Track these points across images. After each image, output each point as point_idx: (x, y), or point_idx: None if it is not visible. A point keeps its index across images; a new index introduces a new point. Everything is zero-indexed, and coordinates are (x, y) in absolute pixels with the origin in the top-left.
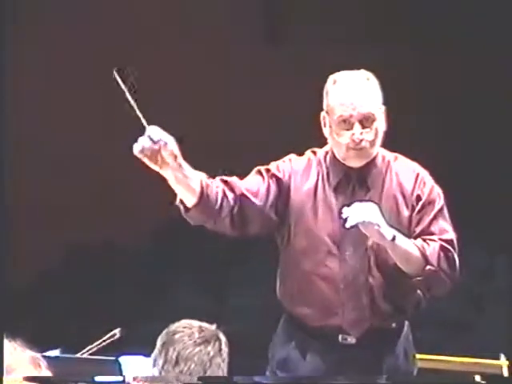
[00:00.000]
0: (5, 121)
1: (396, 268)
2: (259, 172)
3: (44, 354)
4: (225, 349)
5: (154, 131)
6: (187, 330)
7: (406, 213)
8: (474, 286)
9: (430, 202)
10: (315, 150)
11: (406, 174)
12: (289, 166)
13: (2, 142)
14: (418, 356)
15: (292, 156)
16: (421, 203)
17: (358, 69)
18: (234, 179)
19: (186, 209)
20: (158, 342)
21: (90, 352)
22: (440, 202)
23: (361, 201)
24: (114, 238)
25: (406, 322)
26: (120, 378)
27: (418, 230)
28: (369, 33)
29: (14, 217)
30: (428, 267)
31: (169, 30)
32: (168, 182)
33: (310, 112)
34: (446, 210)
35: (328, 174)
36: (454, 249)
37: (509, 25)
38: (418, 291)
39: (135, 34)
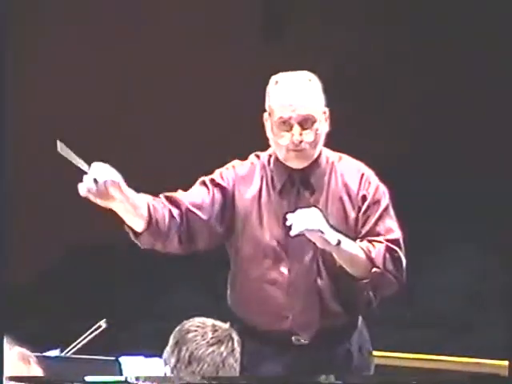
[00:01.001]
0: (5, 120)
1: (344, 270)
2: (203, 183)
3: (44, 354)
4: (237, 348)
5: (98, 172)
6: (200, 329)
7: (352, 214)
8: (474, 286)
9: (376, 202)
10: (258, 153)
11: (350, 174)
12: (232, 172)
13: (2, 142)
14: (417, 356)
15: (236, 162)
16: (366, 203)
17: (358, 69)
18: (178, 195)
19: (136, 234)
20: (171, 341)
21: (78, 347)
22: (385, 201)
23: (305, 206)
24: (114, 238)
25: (360, 319)
26: (122, 378)
27: (364, 230)
28: (368, 32)
29: (14, 216)
30: (374, 269)
31: (169, 29)
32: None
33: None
34: (391, 209)
35: (272, 177)
36: (400, 248)
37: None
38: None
39: (135, 33)
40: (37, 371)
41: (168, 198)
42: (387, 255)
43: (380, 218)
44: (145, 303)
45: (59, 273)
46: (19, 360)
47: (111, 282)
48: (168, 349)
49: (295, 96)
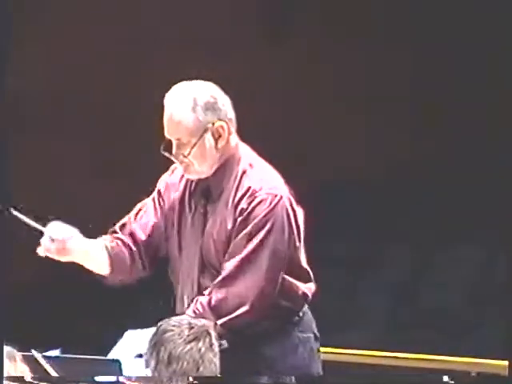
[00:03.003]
0: (5, 120)
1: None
2: (153, 196)
3: (44, 353)
4: (215, 343)
5: (53, 230)
6: (176, 328)
7: (229, 225)
8: (474, 286)
9: (246, 220)
10: None
11: (244, 184)
12: (168, 177)
13: (3, 142)
14: (417, 356)
15: (176, 165)
16: (241, 217)
17: (359, 68)
18: (129, 223)
19: (103, 277)
20: (148, 343)
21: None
22: (261, 223)
23: (199, 215)
24: None
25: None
26: (114, 379)
27: (231, 244)
28: (369, 34)
29: (14, 217)
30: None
31: (168, 29)
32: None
33: (309, 111)
34: (262, 233)
35: (191, 182)
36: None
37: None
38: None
39: (135, 33)
40: (23, 369)
41: (123, 231)
42: (208, 308)
43: (243, 237)
44: (145, 303)
45: (59, 273)
46: (5, 358)
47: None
48: (147, 351)
49: (171, 116)
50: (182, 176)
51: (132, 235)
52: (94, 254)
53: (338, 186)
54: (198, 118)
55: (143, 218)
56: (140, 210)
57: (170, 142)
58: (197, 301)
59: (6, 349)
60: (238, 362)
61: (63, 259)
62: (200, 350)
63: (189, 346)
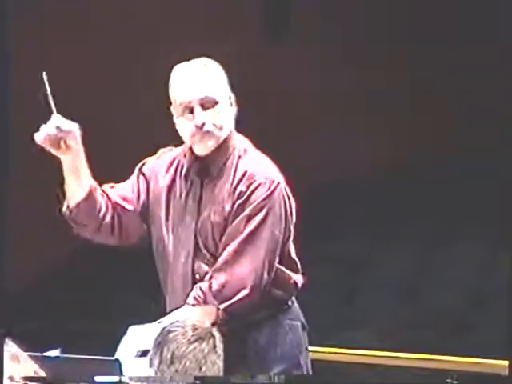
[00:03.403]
0: (5, 120)
1: (217, 255)
2: (135, 172)
3: (44, 354)
4: (220, 345)
5: (60, 119)
6: (181, 328)
7: (227, 207)
8: (475, 286)
9: (247, 202)
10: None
11: (243, 167)
12: (155, 161)
13: (4, 142)
14: (417, 356)
15: (164, 149)
16: (240, 201)
17: (359, 68)
18: (107, 188)
19: (71, 210)
20: (153, 343)
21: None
22: (260, 206)
23: (194, 195)
24: None
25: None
26: (117, 378)
27: (229, 228)
28: (369, 34)
29: (14, 216)
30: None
31: (169, 29)
32: (63, 171)
33: (310, 111)
34: (259, 217)
35: (184, 163)
36: (216, 273)
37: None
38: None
39: (135, 33)
40: (27, 370)
41: (102, 189)
42: (211, 294)
43: (240, 221)
44: (145, 303)
45: (59, 273)
46: (8, 359)
47: (111, 281)
48: (151, 351)
49: (191, 80)
50: (171, 162)
51: (108, 196)
52: (80, 169)
53: (338, 186)
54: (222, 81)
55: (122, 190)
56: (122, 184)
57: (187, 108)
58: (197, 287)
59: (8, 349)
60: (228, 347)
61: (55, 153)
62: (203, 350)
63: (192, 346)
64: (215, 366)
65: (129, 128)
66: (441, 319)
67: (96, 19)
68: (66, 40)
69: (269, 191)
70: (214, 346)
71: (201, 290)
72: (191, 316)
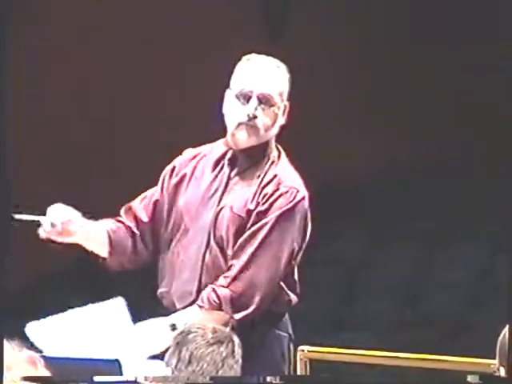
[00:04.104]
0: (5, 120)
1: (226, 253)
2: (164, 172)
3: (44, 354)
4: (238, 350)
5: (53, 214)
6: (201, 330)
7: (250, 206)
8: (474, 286)
9: (268, 208)
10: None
11: (271, 174)
12: (178, 159)
13: (3, 141)
14: (417, 356)
15: (189, 149)
16: (263, 204)
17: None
18: (133, 207)
19: (103, 259)
20: (172, 342)
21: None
22: (280, 217)
23: (218, 185)
24: None
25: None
26: (114, 379)
27: (246, 229)
28: (369, 33)
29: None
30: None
31: (168, 29)
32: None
33: (310, 111)
34: (276, 229)
35: (212, 154)
36: (235, 281)
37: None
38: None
39: (134, 33)
40: (44, 374)
41: (126, 213)
42: (212, 297)
43: (254, 230)
44: (145, 303)
45: (59, 273)
46: (27, 363)
47: (112, 281)
48: (169, 350)
49: (261, 73)
50: (195, 155)
51: (135, 218)
52: (94, 235)
53: (338, 187)
54: (284, 87)
55: (146, 199)
56: (146, 196)
57: (244, 97)
58: (212, 291)
59: (28, 353)
60: None
61: (65, 241)
62: (221, 353)
63: (211, 349)
64: (232, 370)
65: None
66: (440, 319)
67: (96, 19)
68: (66, 40)
69: (294, 201)
70: (233, 351)
71: (217, 296)
72: (203, 320)
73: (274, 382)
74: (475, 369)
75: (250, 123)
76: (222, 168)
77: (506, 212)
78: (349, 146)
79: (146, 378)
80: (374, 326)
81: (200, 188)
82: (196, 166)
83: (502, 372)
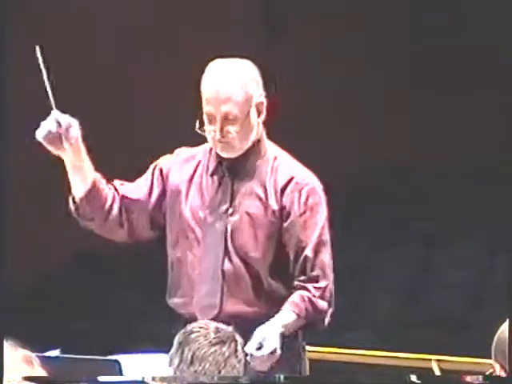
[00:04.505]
0: (5, 120)
1: (254, 259)
2: (151, 167)
3: (44, 354)
4: (241, 350)
5: (60, 115)
6: (203, 330)
7: (274, 206)
8: (474, 286)
9: (305, 211)
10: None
11: (283, 171)
12: (172, 159)
13: (3, 142)
14: (417, 356)
15: (182, 149)
16: (293, 202)
17: (359, 68)
18: (117, 183)
19: (76, 205)
20: (175, 342)
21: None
22: (318, 208)
23: (226, 192)
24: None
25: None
26: (114, 379)
27: (286, 224)
28: (369, 33)
29: (15, 216)
30: (303, 322)
31: (168, 29)
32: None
33: (309, 111)
34: (320, 217)
35: (208, 161)
36: (326, 291)
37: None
38: (273, 284)
39: (134, 33)
40: (40, 373)
41: (118, 184)
42: (309, 307)
43: (306, 225)
44: (145, 303)
45: (59, 273)
46: (23, 362)
47: (111, 281)
48: (172, 350)
49: (219, 91)
50: (190, 158)
51: (124, 190)
52: (82, 164)
53: (338, 189)
54: (247, 93)
55: (133, 185)
56: (134, 183)
57: (209, 118)
58: (308, 300)
59: (23, 352)
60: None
61: (54, 151)
62: (224, 353)
63: (213, 349)
64: (235, 369)
65: (142, 129)
66: (440, 319)
67: (96, 19)
68: (66, 40)
69: (322, 196)
70: (236, 351)
71: (315, 308)
72: (296, 327)
73: (274, 381)
74: (475, 369)
75: (223, 140)
76: (223, 176)
77: (506, 212)
78: (349, 146)
79: (153, 378)
80: (374, 325)
81: (205, 197)
82: (194, 173)
83: (498, 369)
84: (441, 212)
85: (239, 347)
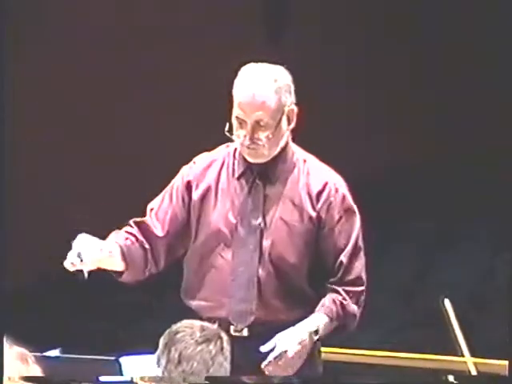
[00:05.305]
0: (5, 120)
1: (290, 265)
2: (174, 189)
3: (44, 354)
4: (227, 347)
5: (81, 246)
6: (188, 329)
7: (311, 212)
8: (475, 286)
9: (342, 210)
10: (230, 144)
11: (316, 175)
12: (193, 169)
13: (2, 141)
14: (417, 356)
15: (197, 157)
16: (330, 207)
17: (358, 68)
18: (147, 221)
19: (118, 275)
20: (161, 342)
21: None
22: (352, 213)
23: (258, 197)
24: None
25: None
26: (128, 378)
27: (324, 231)
28: (369, 33)
29: (15, 216)
30: (336, 324)
31: (168, 29)
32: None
33: (309, 111)
34: (355, 225)
35: (234, 165)
36: (361, 296)
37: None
38: (309, 291)
39: (134, 33)
40: (35, 371)
41: (139, 226)
42: (340, 311)
43: (342, 231)
44: (145, 303)
45: (59, 272)
46: (18, 359)
47: (111, 281)
48: (158, 351)
49: (252, 97)
50: (209, 164)
51: (148, 232)
52: (111, 258)
53: None
54: (280, 100)
55: (160, 213)
56: (160, 205)
57: (239, 122)
58: (343, 307)
59: (18, 349)
60: (252, 353)
61: (88, 269)
62: (211, 352)
63: (199, 348)
64: (222, 367)
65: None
66: (440, 319)
67: (96, 19)
68: (66, 40)
69: (351, 200)
70: (222, 348)
71: (347, 311)
72: (328, 329)
73: (274, 381)
74: (475, 369)
75: (252, 146)
76: (253, 181)
77: (506, 212)
78: (349, 147)
79: (142, 378)
80: (374, 325)
81: (234, 201)
82: (219, 178)
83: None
84: (441, 212)
85: (225, 344)
